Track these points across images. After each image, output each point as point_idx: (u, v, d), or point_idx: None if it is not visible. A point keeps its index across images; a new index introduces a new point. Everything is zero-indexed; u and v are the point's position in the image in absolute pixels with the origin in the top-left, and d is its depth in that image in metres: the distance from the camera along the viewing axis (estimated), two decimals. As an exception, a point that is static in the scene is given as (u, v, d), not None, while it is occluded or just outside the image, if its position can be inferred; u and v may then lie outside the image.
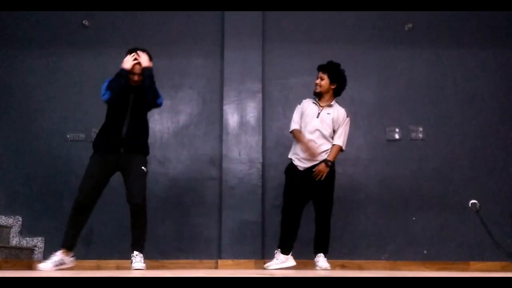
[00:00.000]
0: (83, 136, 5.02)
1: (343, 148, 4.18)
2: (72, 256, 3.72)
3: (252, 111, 5.02)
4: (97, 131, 4.93)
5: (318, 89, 4.19)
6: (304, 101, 4.32)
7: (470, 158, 5.01)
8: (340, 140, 4.14)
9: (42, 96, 5.10)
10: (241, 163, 4.91)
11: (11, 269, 4.15)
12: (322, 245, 4.10)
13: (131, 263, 3.67)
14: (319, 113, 4.19)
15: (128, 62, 3.78)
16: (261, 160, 4.92)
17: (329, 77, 4.17)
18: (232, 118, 5.01)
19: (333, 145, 4.15)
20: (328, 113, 4.17)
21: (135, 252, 3.71)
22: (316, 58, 5.19)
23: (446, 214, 4.90)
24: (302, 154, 4.15)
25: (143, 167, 3.79)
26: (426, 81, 5.17)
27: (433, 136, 5.06)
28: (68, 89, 5.12)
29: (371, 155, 5.01)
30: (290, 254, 4.15)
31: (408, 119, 5.09)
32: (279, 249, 4.16)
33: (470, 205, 4.89)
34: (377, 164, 4.99)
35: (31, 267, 4.65)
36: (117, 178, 4.93)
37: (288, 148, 5.03)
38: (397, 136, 5.07)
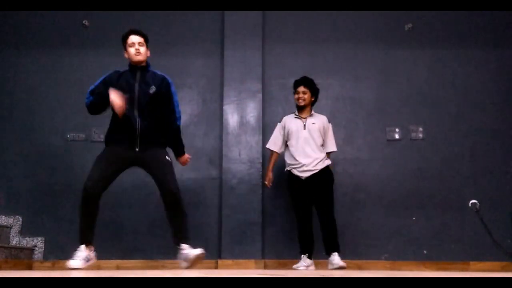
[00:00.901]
0: (83, 136, 5.03)
1: (335, 149, 4.54)
2: (94, 251, 3.57)
3: (252, 111, 5.03)
4: (97, 131, 4.99)
5: (303, 103, 4.46)
6: (284, 118, 4.57)
7: (470, 158, 5.01)
8: (334, 146, 4.51)
9: (42, 96, 5.10)
10: (241, 163, 4.91)
11: (11, 269, 4.15)
12: (334, 245, 4.27)
13: (184, 258, 3.50)
14: (304, 125, 4.43)
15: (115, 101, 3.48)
16: (261, 160, 4.92)
17: (310, 91, 4.47)
18: (232, 118, 5.01)
19: (329, 152, 4.48)
20: (313, 123, 4.44)
21: (184, 245, 3.54)
22: (316, 58, 5.22)
23: (446, 214, 4.90)
24: (300, 164, 4.34)
25: (167, 157, 3.64)
26: (426, 81, 5.17)
27: (433, 136, 5.06)
28: (68, 89, 5.12)
29: (371, 155, 5.01)
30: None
31: (408, 119, 5.09)
32: (303, 254, 4.37)
33: (470, 205, 4.89)
34: (377, 164, 4.99)
35: (31, 267, 4.65)
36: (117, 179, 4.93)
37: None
38: (397, 136, 5.07)
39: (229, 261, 4.69)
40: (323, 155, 4.40)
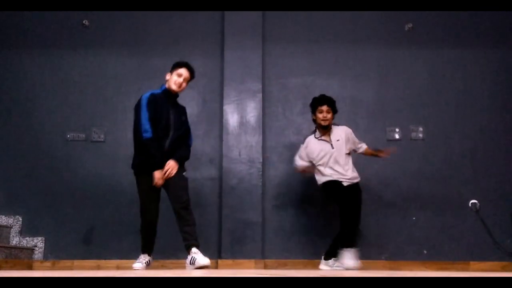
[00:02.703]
0: (83, 136, 5.03)
1: (364, 145, 4.53)
2: (152, 259, 4.03)
3: (252, 111, 5.02)
4: (97, 131, 5.00)
5: (327, 123, 4.33)
6: (307, 141, 4.39)
7: (470, 158, 5.01)
8: (363, 144, 4.51)
9: (42, 96, 5.10)
10: (241, 163, 4.91)
11: (11, 269, 4.15)
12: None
13: (192, 262, 3.61)
14: (332, 145, 4.33)
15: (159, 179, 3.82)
16: (261, 160, 4.92)
17: (332, 109, 4.36)
18: (232, 118, 5.01)
19: (365, 150, 4.52)
20: (337, 140, 4.35)
21: (194, 249, 3.66)
22: (316, 58, 5.22)
23: (446, 214, 4.90)
24: (336, 176, 4.29)
25: (184, 174, 3.94)
26: (426, 81, 5.17)
27: (433, 136, 5.06)
28: (68, 89, 5.13)
29: (371, 155, 5.01)
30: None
31: (408, 119, 5.09)
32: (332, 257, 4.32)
33: (470, 205, 4.89)
34: (377, 164, 4.98)
35: (31, 267, 4.65)
36: (116, 177, 4.95)
37: (287, 148, 5.04)
38: (397, 136, 5.07)
39: (229, 261, 4.69)
40: (352, 167, 4.37)
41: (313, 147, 4.35)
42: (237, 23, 5.15)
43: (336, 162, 4.30)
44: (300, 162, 4.41)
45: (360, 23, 5.27)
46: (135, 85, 5.10)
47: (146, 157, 3.81)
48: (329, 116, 4.32)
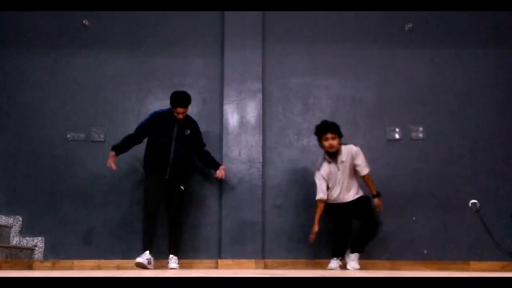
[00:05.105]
0: (83, 136, 5.03)
1: (369, 170, 4.46)
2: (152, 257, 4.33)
3: (252, 111, 5.02)
4: (97, 131, 5.00)
5: (334, 149, 4.33)
6: (322, 167, 4.40)
7: (470, 158, 5.01)
8: (365, 169, 4.42)
9: (42, 96, 5.10)
10: (241, 163, 4.91)
11: (11, 269, 4.15)
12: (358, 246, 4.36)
13: (168, 263, 4.44)
14: (338, 167, 4.37)
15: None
16: (261, 160, 4.92)
17: (338, 136, 4.35)
18: (232, 118, 5.01)
19: (363, 177, 4.44)
20: (342, 161, 4.37)
21: (171, 256, 4.45)
22: (316, 58, 5.22)
23: (446, 214, 4.90)
24: (331, 200, 4.42)
25: (181, 187, 4.52)
26: (426, 81, 5.17)
27: (433, 136, 5.06)
28: (68, 89, 5.13)
29: (371, 155, 5.00)
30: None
31: (408, 119, 5.09)
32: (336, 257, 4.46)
33: (470, 205, 4.89)
34: (377, 164, 4.98)
35: (31, 267, 4.65)
36: (116, 177, 4.95)
37: (287, 148, 5.04)
38: (397, 136, 5.07)
39: (229, 261, 4.69)
40: (356, 186, 4.44)
41: (326, 170, 4.38)
42: (237, 23, 5.15)
43: (340, 183, 4.37)
44: (321, 195, 4.37)
45: (360, 23, 5.27)
46: (135, 85, 5.10)
47: (153, 157, 4.51)
48: (334, 142, 4.30)
